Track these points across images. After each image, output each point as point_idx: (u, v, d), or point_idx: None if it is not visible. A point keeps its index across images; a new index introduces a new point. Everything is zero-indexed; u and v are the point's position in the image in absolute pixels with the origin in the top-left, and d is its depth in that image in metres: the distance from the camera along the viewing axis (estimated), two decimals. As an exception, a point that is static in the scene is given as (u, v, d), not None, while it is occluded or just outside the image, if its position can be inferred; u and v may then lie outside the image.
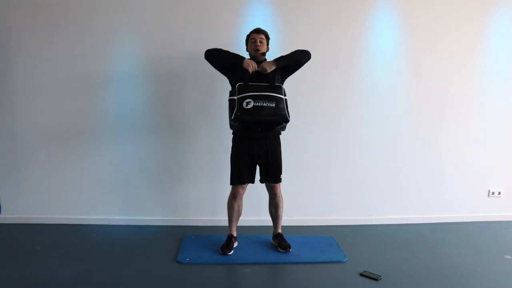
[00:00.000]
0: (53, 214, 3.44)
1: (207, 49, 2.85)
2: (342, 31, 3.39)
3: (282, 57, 2.85)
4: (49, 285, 2.48)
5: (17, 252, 2.89)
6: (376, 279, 2.62)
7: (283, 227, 3.13)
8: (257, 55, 2.87)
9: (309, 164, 3.52)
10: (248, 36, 2.93)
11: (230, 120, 2.80)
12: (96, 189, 3.44)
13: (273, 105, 2.70)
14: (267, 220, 3.16)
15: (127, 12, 3.26)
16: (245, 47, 2.97)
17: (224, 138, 3.16)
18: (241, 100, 2.70)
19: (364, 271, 2.71)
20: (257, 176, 3.00)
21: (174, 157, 3.44)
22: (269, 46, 2.95)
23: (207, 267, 2.77)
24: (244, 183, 2.94)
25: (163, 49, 3.31)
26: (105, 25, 3.26)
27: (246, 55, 2.96)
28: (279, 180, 2.98)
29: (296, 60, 2.87)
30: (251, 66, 2.76)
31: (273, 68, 2.79)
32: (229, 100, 2.85)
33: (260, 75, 2.79)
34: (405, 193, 3.65)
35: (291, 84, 3.01)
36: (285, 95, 2.82)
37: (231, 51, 2.86)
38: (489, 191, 3.76)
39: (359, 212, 3.63)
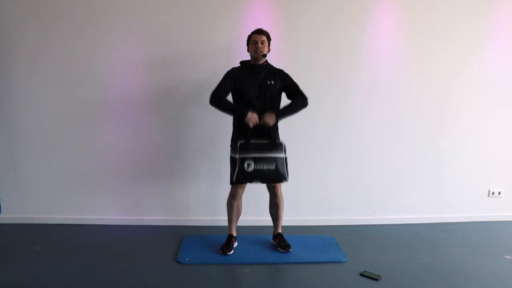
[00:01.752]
0: (53, 214, 3.45)
1: (210, 95, 2.84)
2: (342, 31, 3.39)
3: (284, 111, 2.88)
4: (49, 285, 2.48)
5: (17, 252, 2.89)
6: (376, 279, 2.62)
7: (283, 227, 3.13)
8: (258, 57, 2.88)
9: (310, 164, 3.52)
10: (249, 37, 2.93)
11: (232, 176, 2.86)
12: (96, 189, 3.44)
13: (273, 167, 2.77)
14: (267, 220, 3.16)
15: (127, 12, 3.26)
16: (246, 47, 2.96)
17: (224, 138, 3.15)
18: (242, 160, 2.76)
19: (364, 271, 2.71)
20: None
21: (174, 157, 3.44)
22: (270, 47, 2.95)
23: (207, 267, 2.77)
24: (244, 183, 2.94)
25: (163, 49, 3.31)
26: (104, 25, 3.26)
27: (247, 56, 2.97)
28: (280, 180, 2.98)
29: (296, 112, 2.92)
30: (252, 121, 2.77)
31: (275, 122, 2.81)
32: (231, 157, 2.92)
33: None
34: (405, 193, 3.65)
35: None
36: (285, 152, 2.86)
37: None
38: (489, 191, 3.76)
39: (359, 212, 3.63)
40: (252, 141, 2.80)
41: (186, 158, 3.45)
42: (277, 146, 2.82)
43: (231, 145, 2.94)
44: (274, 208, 3.06)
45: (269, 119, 2.79)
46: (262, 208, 3.20)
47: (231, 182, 2.94)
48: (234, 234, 3.05)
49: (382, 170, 3.59)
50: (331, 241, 3.20)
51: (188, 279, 2.59)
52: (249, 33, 2.94)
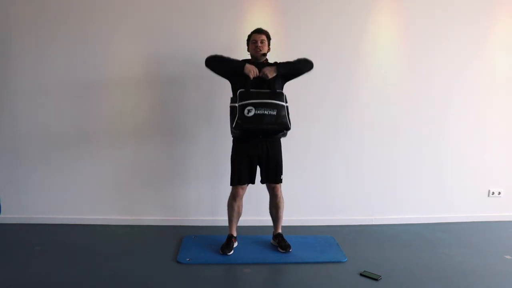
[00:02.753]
0: (53, 214, 3.45)
1: (207, 56, 2.82)
2: (343, 32, 3.39)
3: (284, 64, 2.84)
4: (49, 285, 2.48)
5: (17, 252, 2.89)
6: (376, 279, 2.62)
7: (283, 227, 3.13)
8: (258, 56, 2.87)
9: (310, 165, 3.52)
10: (249, 37, 2.93)
11: (232, 127, 2.81)
12: (96, 189, 3.44)
13: (274, 113, 2.70)
14: (267, 220, 3.16)
15: (127, 14, 3.26)
16: (246, 47, 2.96)
17: (224, 139, 3.16)
18: (243, 107, 2.71)
19: (364, 271, 2.71)
20: (258, 177, 3.00)
21: (174, 157, 3.44)
22: (270, 46, 2.95)
23: (207, 267, 2.77)
24: (244, 184, 2.94)
25: (163, 50, 3.31)
26: (106, 28, 3.26)
27: (247, 55, 2.97)
28: (280, 181, 2.98)
29: (297, 69, 2.88)
30: (252, 72, 2.75)
31: (274, 74, 2.78)
32: (230, 107, 2.85)
33: (261, 80, 2.79)
34: (405, 193, 3.65)
35: (292, 84, 3.00)
36: (286, 102, 2.81)
37: (231, 54, 2.85)
38: (489, 191, 3.76)
39: (359, 212, 3.63)
40: (252, 90, 2.74)
41: (186, 158, 3.44)
42: (278, 94, 2.77)
43: (231, 99, 2.85)
44: (274, 208, 3.06)
45: (268, 71, 2.75)
46: (262, 208, 3.20)
47: (232, 183, 2.94)
48: (234, 234, 3.04)
49: (382, 170, 3.59)
50: (331, 241, 3.20)
51: (188, 279, 2.59)
52: (249, 32, 2.94)
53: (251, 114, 2.68)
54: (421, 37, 3.46)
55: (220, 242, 3.01)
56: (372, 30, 3.42)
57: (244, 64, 2.78)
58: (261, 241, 3.16)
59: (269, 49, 2.93)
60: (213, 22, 3.30)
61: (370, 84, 3.48)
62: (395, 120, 3.55)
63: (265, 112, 2.69)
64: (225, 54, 3.23)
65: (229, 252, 2.92)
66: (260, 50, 2.85)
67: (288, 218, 3.30)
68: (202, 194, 3.49)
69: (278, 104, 2.73)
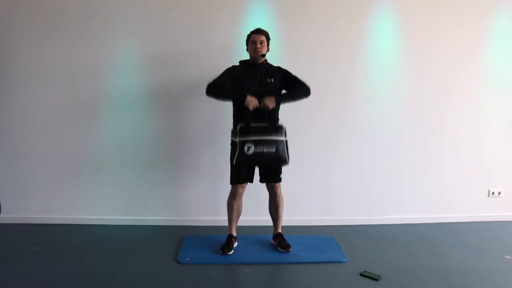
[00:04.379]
0: (53, 214, 3.45)
1: (207, 84, 2.80)
2: (342, 31, 3.39)
3: (284, 95, 2.87)
4: (49, 285, 2.48)
5: (17, 252, 2.89)
6: (376, 279, 2.62)
7: (283, 227, 3.13)
8: (257, 57, 2.88)
9: (309, 164, 3.52)
10: (248, 37, 2.93)
11: (232, 160, 2.85)
12: (96, 189, 3.44)
13: (273, 150, 2.76)
14: (267, 220, 3.16)
15: (126, 12, 3.26)
16: (246, 47, 2.96)
17: (224, 138, 3.16)
18: (242, 143, 2.75)
19: (364, 271, 2.71)
20: (257, 176, 3.00)
21: (174, 157, 3.44)
22: (270, 47, 2.95)
23: (207, 267, 2.77)
24: (244, 183, 2.94)
25: (163, 49, 3.31)
26: (105, 25, 3.26)
27: (246, 55, 2.97)
28: (279, 180, 2.98)
29: (296, 97, 2.92)
30: (252, 104, 2.76)
31: (275, 105, 2.79)
32: (231, 140, 2.91)
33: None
34: (405, 193, 3.65)
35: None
36: (285, 136, 2.84)
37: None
38: (489, 191, 3.76)
39: (359, 212, 3.63)
40: (252, 124, 2.77)
41: (186, 158, 3.44)
42: (277, 129, 2.80)
43: (232, 130, 2.93)
44: (274, 208, 3.06)
45: (269, 102, 2.76)
46: (262, 208, 3.20)
47: (231, 182, 2.95)
48: (234, 234, 3.05)
49: (382, 170, 3.59)
50: (331, 241, 3.20)
51: (188, 279, 2.59)
52: (249, 32, 2.94)
53: (250, 151, 2.74)
54: (421, 37, 3.46)
55: (220, 242, 3.01)
56: (372, 30, 3.42)
57: (245, 96, 2.76)
58: (261, 241, 3.16)
59: (268, 49, 2.93)
60: (212, 22, 3.30)
61: (370, 84, 3.48)
62: (395, 120, 3.54)
63: (264, 150, 2.75)
64: (224, 54, 3.27)
65: (229, 252, 2.92)
66: (260, 51, 2.85)
67: (288, 218, 3.30)
68: (202, 194, 3.49)
69: (277, 140, 2.77)
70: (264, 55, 2.90)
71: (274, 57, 3.03)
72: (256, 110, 2.76)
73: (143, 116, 3.38)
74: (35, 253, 2.89)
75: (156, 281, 2.55)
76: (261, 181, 3.01)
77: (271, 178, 2.97)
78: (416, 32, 3.46)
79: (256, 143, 2.74)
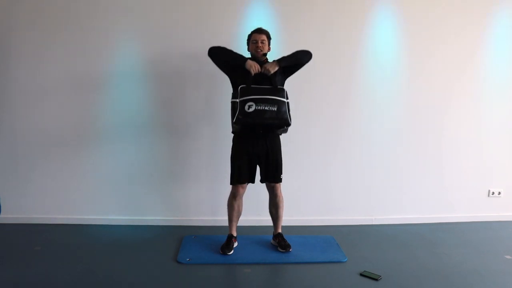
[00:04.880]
0: (53, 214, 3.44)
1: (210, 46, 2.84)
2: (343, 31, 3.39)
3: (284, 58, 2.85)
4: (49, 285, 2.48)
5: (17, 252, 2.89)
6: (376, 279, 2.62)
7: (283, 227, 3.13)
8: (259, 56, 2.87)
9: (310, 164, 3.52)
10: (249, 36, 2.93)
11: (232, 122, 2.81)
12: (96, 189, 3.44)
13: (275, 108, 2.71)
14: (267, 220, 3.16)
15: (127, 12, 3.26)
16: (247, 46, 2.96)
17: (224, 138, 3.16)
18: (243, 103, 2.71)
19: (364, 271, 2.71)
20: (258, 176, 3.00)
21: (174, 157, 3.44)
22: (271, 46, 2.95)
23: (207, 267, 2.77)
24: (244, 183, 2.94)
25: (163, 49, 3.31)
26: (106, 26, 3.26)
27: (247, 55, 2.97)
28: (280, 180, 2.98)
29: (298, 59, 2.88)
30: (254, 68, 2.75)
31: (276, 69, 2.78)
32: (231, 102, 2.86)
33: (262, 76, 2.79)
34: (405, 193, 3.65)
35: (292, 84, 3.01)
36: (287, 98, 2.81)
37: (234, 50, 2.86)
38: (489, 191, 3.76)
39: (359, 212, 3.63)
40: (253, 86, 2.75)
41: (186, 158, 3.44)
42: (279, 90, 2.77)
43: (232, 94, 2.87)
44: (274, 208, 3.06)
45: (270, 66, 2.76)
46: (262, 208, 3.20)
47: (232, 182, 2.94)
48: (234, 234, 3.04)
49: (382, 170, 3.59)
50: (331, 241, 3.20)
51: (188, 279, 2.59)
52: (250, 32, 2.93)
53: (251, 109, 2.68)
54: (421, 36, 3.46)
55: (220, 242, 3.01)
56: (372, 31, 3.42)
57: (246, 59, 2.78)
58: (261, 241, 3.16)
59: (269, 49, 2.93)
60: (213, 21, 3.30)
61: (370, 84, 3.48)
62: (395, 120, 3.55)
63: (266, 107, 2.70)
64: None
65: (229, 252, 2.92)
66: (261, 50, 2.85)
67: (288, 218, 3.30)
68: (202, 194, 3.49)
69: (279, 100, 2.74)
70: (265, 54, 2.90)
71: (274, 57, 3.02)
72: (257, 74, 2.74)
73: (143, 117, 3.38)
74: (35, 253, 2.89)
75: (156, 281, 2.55)
76: (262, 181, 3.00)
77: (271, 178, 2.97)
78: (416, 31, 3.46)
79: (257, 101, 2.69)
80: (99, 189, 3.44)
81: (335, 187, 3.57)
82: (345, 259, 2.89)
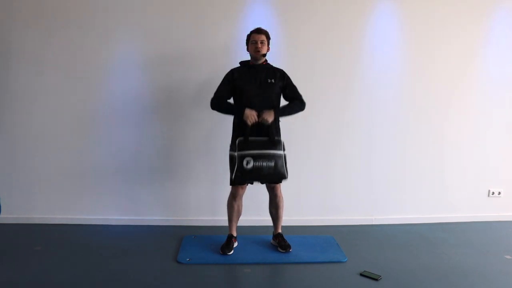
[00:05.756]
0: (53, 214, 3.45)
1: (210, 100, 2.87)
2: (343, 31, 3.39)
3: (282, 110, 2.88)
4: (49, 285, 2.48)
5: (17, 252, 2.89)
6: (376, 279, 2.62)
7: (283, 227, 3.13)
8: (258, 57, 2.88)
9: (310, 164, 3.52)
10: (248, 36, 2.92)
11: (231, 176, 2.84)
12: (96, 189, 3.44)
13: (272, 164, 2.74)
14: (267, 220, 3.16)
15: (127, 12, 3.26)
16: (246, 47, 2.96)
17: (224, 138, 3.15)
18: (241, 157, 2.74)
19: (364, 271, 2.71)
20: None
21: (174, 157, 3.44)
22: (270, 46, 2.95)
23: (207, 267, 2.77)
24: (244, 184, 2.94)
25: (163, 49, 3.32)
26: (106, 26, 3.26)
27: (247, 55, 2.97)
28: (280, 181, 2.98)
29: (293, 112, 2.93)
30: (251, 118, 2.76)
31: (273, 118, 2.78)
32: (230, 154, 2.89)
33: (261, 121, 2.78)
34: (405, 193, 3.65)
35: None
36: (284, 150, 2.84)
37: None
38: (489, 191, 3.76)
39: (359, 212, 3.63)
40: (251, 139, 2.78)
41: (186, 158, 3.44)
42: (276, 143, 2.79)
43: (230, 144, 2.94)
44: (274, 208, 3.06)
45: (268, 116, 2.77)
46: (262, 208, 3.20)
47: (231, 183, 2.94)
48: (234, 234, 3.05)
49: (382, 170, 3.59)
50: (331, 241, 3.20)
51: (188, 279, 2.59)
52: (249, 32, 2.93)
53: (249, 166, 2.72)
54: (422, 38, 3.46)
55: (220, 242, 3.01)
56: (373, 31, 3.42)
57: (244, 110, 2.77)
58: (261, 241, 3.16)
59: (268, 49, 2.93)
60: (212, 21, 3.30)
61: (371, 84, 3.48)
62: (395, 120, 3.54)
63: (264, 163, 2.73)
64: (224, 54, 3.28)
65: (229, 252, 2.92)
66: (260, 51, 2.85)
67: (288, 218, 3.30)
68: (202, 194, 3.49)
69: (276, 155, 2.76)
70: (264, 55, 2.90)
71: (274, 57, 3.03)
72: (255, 124, 2.76)
73: (143, 117, 3.38)
74: (35, 253, 2.89)
75: (156, 281, 2.55)
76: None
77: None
78: (417, 33, 3.45)
79: (255, 157, 2.73)
80: (99, 189, 3.44)
81: (335, 187, 3.57)
82: (345, 259, 2.89)
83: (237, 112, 2.84)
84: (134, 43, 3.30)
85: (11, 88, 3.30)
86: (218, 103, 2.86)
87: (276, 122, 2.85)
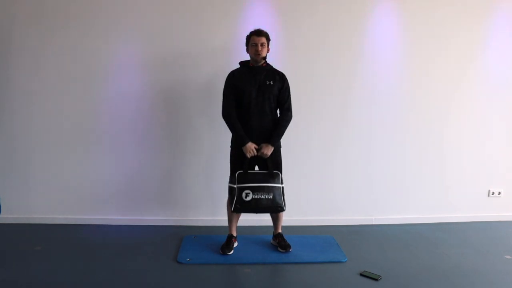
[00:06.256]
0: (53, 214, 3.44)
1: (222, 107, 2.92)
2: (344, 31, 3.39)
3: (277, 137, 2.91)
4: (49, 285, 2.48)
5: (17, 252, 2.89)
6: (376, 279, 2.62)
7: (283, 227, 3.13)
8: (258, 59, 2.88)
9: (310, 165, 3.52)
10: (248, 38, 2.92)
11: (231, 208, 2.87)
12: (96, 189, 3.44)
13: (271, 196, 2.82)
14: (267, 220, 3.16)
15: (127, 12, 3.26)
16: (246, 48, 2.96)
17: (224, 138, 3.16)
18: (240, 190, 2.80)
19: (364, 271, 2.71)
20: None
21: (174, 157, 3.44)
22: (270, 47, 2.94)
23: (207, 267, 2.77)
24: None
25: (163, 49, 3.31)
26: (105, 27, 3.26)
27: (246, 56, 2.97)
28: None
29: (285, 130, 2.96)
30: (250, 153, 2.83)
31: (271, 151, 2.86)
32: (229, 187, 2.93)
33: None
34: (405, 193, 3.65)
35: (293, 84, 3.00)
36: (282, 183, 2.89)
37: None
38: (489, 191, 3.76)
39: (359, 212, 3.63)
40: (250, 172, 2.87)
41: (186, 158, 3.44)
42: (274, 176, 2.87)
43: (230, 176, 2.96)
44: (274, 208, 3.07)
45: (267, 150, 2.84)
46: (262, 208, 3.20)
47: (231, 183, 2.95)
48: (234, 234, 3.05)
49: (382, 170, 3.59)
50: (331, 241, 3.20)
51: (188, 279, 2.59)
52: (248, 33, 2.93)
53: (248, 198, 2.80)
54: (422, 37, 3.46)
55: (220, 242, 3.01)
56: (373, 31, 3.42)
57: (246, 142, 2.83)
58: (261, 241, 3.16)
59: (268, 50, 2.93)
60: (212, 21, 3.30)
61: (371, 84, 3.48)
62: (395, 120, 3.54)
63: (262, 196, 2.81)
64: (223, 55, 3.28)
65: (229, 252, 2.93)
66: (260, 54, 2.85)
67: (288, 218, 3.30)
68: (202, 194, 3.49)
69: (274, 187, 2.84)
70: (264, 58, 2.90)
71: (274, 57, 3.03)
72: (253, 157, 2.85)
73: (143, 116, 3.38)
74: (35, 253, 2.89)
75: (156, 281, 2.55)
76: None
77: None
78: (417, 33, 3.45)
79: (254, 189, 2.80)
80: (99, 189, 3.44)
81: (335, 187, 3.57)
82: (345, 259, 2.89)
83: (239, 143, 2.87)
84: (134, 44, 3.30)
85: (11, 88, 3.30)
86: (230, 122, 2.89)
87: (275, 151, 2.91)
